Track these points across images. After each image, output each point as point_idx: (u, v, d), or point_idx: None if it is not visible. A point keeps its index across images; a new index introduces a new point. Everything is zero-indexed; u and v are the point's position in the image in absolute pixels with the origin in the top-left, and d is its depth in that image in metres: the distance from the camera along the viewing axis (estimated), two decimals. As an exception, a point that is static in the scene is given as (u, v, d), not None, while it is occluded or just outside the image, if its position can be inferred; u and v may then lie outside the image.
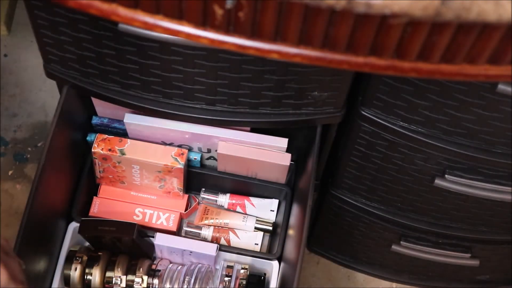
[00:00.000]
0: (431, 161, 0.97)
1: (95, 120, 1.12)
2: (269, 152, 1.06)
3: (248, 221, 1.17)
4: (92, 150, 1.07)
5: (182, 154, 1.07)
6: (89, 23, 0.85)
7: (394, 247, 1.22)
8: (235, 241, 1.16)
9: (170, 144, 1.10)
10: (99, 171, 1.13)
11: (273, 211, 1.19)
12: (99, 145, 1.07)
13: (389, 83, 0.87)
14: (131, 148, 1.07)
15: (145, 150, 1.07)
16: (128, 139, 1.08)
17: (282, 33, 0.57)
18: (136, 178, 1.12)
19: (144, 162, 1.07)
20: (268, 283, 1.11)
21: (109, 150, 1.07)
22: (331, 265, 1.45)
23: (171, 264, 1.13)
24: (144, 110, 0.99)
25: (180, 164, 1.07)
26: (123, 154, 1.06)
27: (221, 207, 1.20)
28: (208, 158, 1.14)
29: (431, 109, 0.88)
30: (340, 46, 0.57)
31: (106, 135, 1.08)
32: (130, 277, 1.09)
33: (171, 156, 1.07)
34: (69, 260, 1.09)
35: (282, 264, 1.09)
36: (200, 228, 1.16)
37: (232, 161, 1.09)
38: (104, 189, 1.17)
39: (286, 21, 0.55)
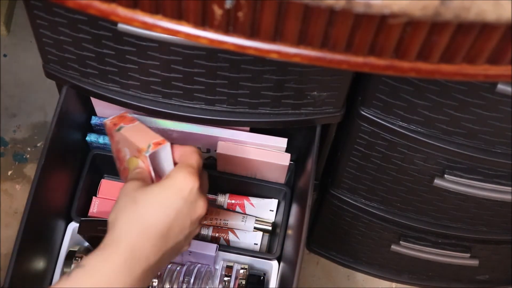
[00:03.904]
0: (431, 161, 0.97)
1: (94, 120, 1.12)
2: (269, 152, 1.06)
3: (247, 221, 1.17)
4: (104, 121, 0.97)
5: (160, 144, 0.91)
6: (89, 23, 0.85)
7: (393, 247, 1.22)
8: (234, 241, 1.16)
9: (170, 144, 1.09)
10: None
11: (272, 211, 1.19)
12: (113, 120, 0.95)
13: (388, 83, 0.87)
14: (131, 128, 0.94)
15: (139, 131, 0.93)
16: (138, 121, 0.95)
17: (282, 33, 0.57)
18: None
19: (129, 140, 0.93)
20: (268, 283, 1.11)
21: (114, 124, 0.94)
22: (331, 265, 1.45)
23: (171, 264, 1.13)
24: (143, 110, 0.99)
25: (147, 152, 0.90)
26: (119, 130, 0.94)
27: (220, 207, 1.20)
28: (208, 158, 1.14)
29: (431, 109, 0.88)
30: (339, 46, 0.57)
31: (128, 114, 0.96)
32: (129, 277, 1.08)
33: (149, 143, 0.90)
34: (69, 260, 1.08)
35: (281, 264, 1.09)
36: (199, 228, 1.16)
37: (232, 161, 1.09)
38: (104, 189, 1.17)
39: (285, 21, 0.55)
